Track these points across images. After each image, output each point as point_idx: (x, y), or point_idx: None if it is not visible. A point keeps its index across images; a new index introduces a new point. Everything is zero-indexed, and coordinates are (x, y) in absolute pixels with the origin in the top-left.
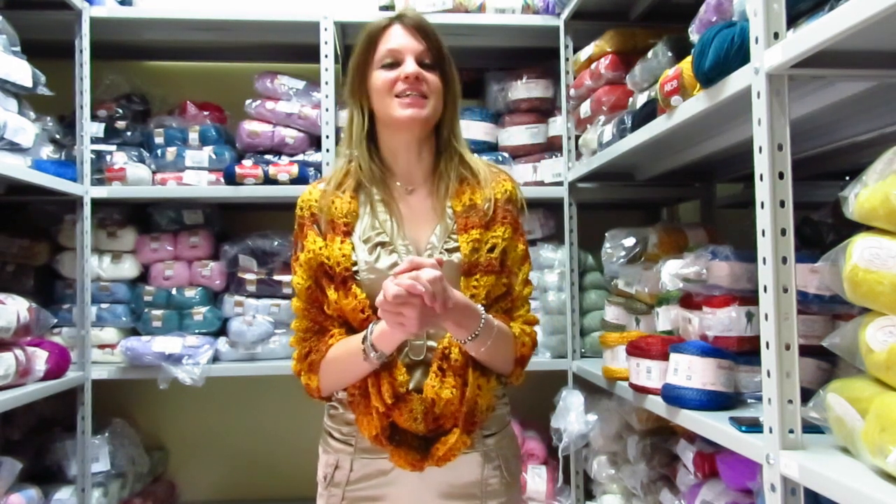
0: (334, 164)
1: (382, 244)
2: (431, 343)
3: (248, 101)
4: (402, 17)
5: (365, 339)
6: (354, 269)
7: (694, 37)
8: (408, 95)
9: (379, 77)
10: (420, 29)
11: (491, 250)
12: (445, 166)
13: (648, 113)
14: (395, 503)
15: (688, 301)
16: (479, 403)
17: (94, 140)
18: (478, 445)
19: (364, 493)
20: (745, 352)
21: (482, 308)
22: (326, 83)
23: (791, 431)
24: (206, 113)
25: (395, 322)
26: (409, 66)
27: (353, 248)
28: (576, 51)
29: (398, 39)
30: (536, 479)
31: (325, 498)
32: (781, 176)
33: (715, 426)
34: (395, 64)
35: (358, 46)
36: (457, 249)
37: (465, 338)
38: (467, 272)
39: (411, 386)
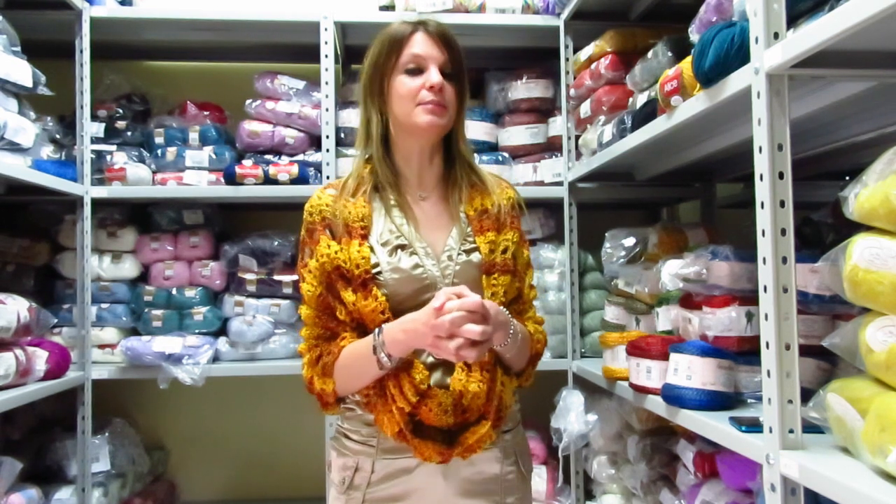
0: (354, 162)
1: (402, 247)
2: None
3: (248, 101)
4: (425, 25)
5: (375, 349)
6: (374, 270)
7: (694, 37)
8: (430, 104)
9: (402, 83)
10: (443, 38)
11: (504, 252)
12: (459, 173)
13: (648, 113)
14: (418, 501)
15: (688, 301)
16: (503, 399)
17: (95, 140)
18: (497, 441)
19: (386, 492)
20: (745, 352)
21: (508, 315)
22: (326, 83)
23: (791, 431)
24: (206, 113)
25: (455, 353)
26: (434, 76)
27: (372, 251)
28: (576, 51)
29: (422, 46)
30: (536, 478)
31: (344, 502)
32: (781, 176)
33: (715, 426)
34: (418, 70)
35: (377, 49)
36: (474, 250)
37: (500, 343)
38: (487, 271)
39: (432, 382)
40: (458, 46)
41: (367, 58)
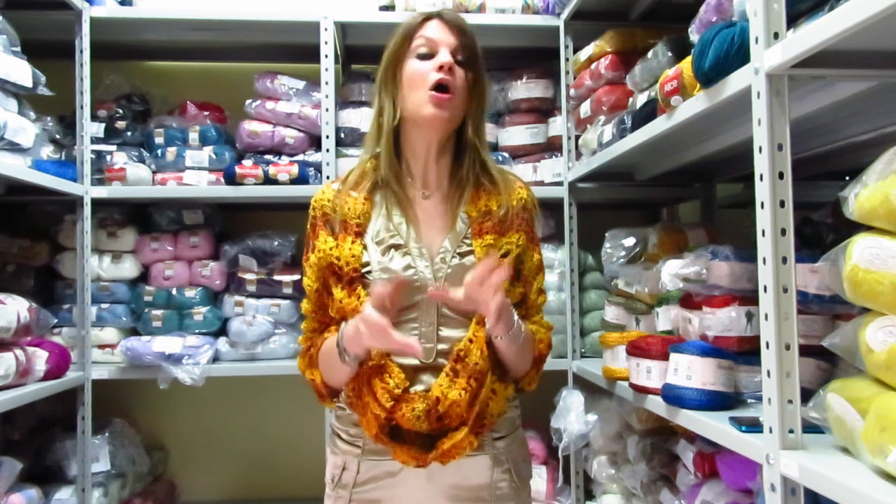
0: (361, 157)
1: (396, 246)
2: (442, 346)
3: (248, 101)
4: (440, 14)
5: (338, 342)
6: (365, 269)
7: (694, 37)
8: (438, 90)
9: (412, 66)
10: (457, 26)
11: (504, 255)
12: (466, 172)
13: (648, 113)
14: None
15: (688, 301)
16: (490, 406)
17: (94, 140)
18: (487, 448)
19: (371, 494)
20: (745, 352)
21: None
22: (326, 83)
23: (791, 431)
24: (206, 113)
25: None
26: (444, 56)
27: (365, 249)
28: (576, 51)
29: (434, 31)
30: (536, 479)
31: (333, 499)
32: (781, 176)
33: (715, 426)
34: (429, 55)
35: (393, 41)
36: (469, 253)
37: (504, 333)
38: None
39: (421, 388)
40: (472, 37)
41: (385, 49)
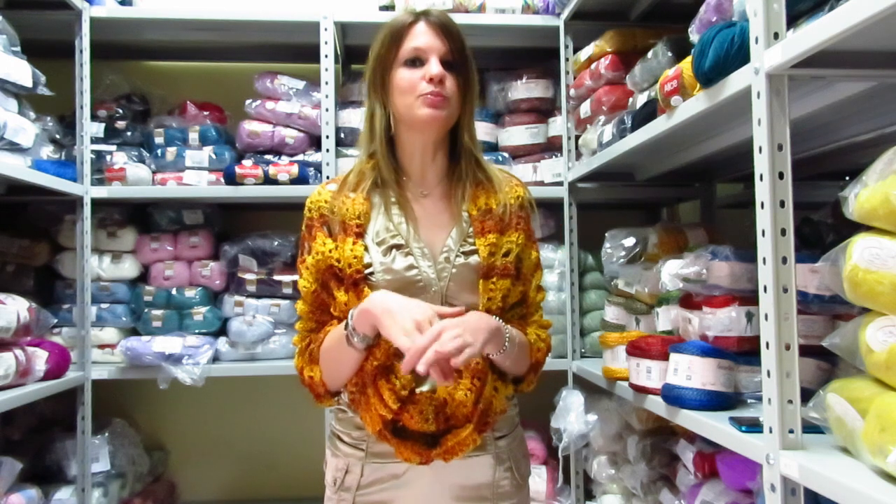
0: (358, 158)
1: (398, 246)
2: None
3: (248, 101)
4: (427, 15)
5: (347, 324)
6: (367, 270)
7: (694, 37)
8: (429, 95)
9: (402, 76)
10: (444, 28)
11: (506, 255)
12: (464, 170)
13: (648, 113)
14: None
15: (688, 301)
16: (493, 404)
17: (94, 140)
18: (489, 447)
19: (375, 497)
20: (745, 352)
21: (500, 321)
22: (326, 83)
23: (791, 431)
24: (206, 113)
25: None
26: (434, 67)
27: (366, 250)
28: (576, 51)
29: (422, 38)
30: (536, 479)
31: (335, 502)
32: (781, 176)
33: (715, 426)
34: (418, 61)
35: (380, 42)
36: (473, 252)
37: (494, 352)
38: (485, 275)
39: (426, 388)
40: (460, 37)
41: (371, 50)
